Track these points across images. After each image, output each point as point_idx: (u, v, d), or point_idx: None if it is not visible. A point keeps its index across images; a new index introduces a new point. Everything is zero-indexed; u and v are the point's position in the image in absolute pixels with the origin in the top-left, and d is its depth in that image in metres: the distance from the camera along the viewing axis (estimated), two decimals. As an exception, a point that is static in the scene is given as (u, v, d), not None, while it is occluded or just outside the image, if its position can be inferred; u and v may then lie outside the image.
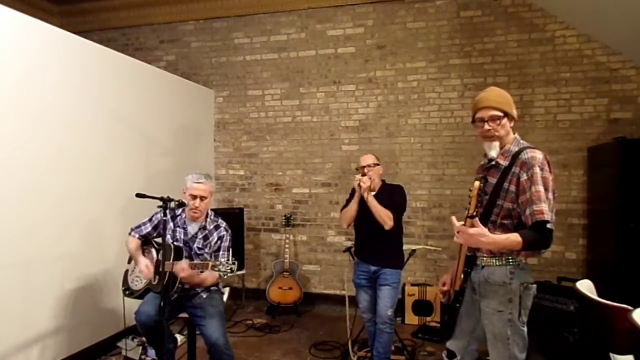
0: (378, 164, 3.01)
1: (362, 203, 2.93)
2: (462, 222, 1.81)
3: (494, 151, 1.93)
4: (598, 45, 4.17)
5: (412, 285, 4.39)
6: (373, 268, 2.93)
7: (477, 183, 1.86)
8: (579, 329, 3.06)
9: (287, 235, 4.75)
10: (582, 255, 4.22)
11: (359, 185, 2.87)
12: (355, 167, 3.06)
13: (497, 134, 1.92)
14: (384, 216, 2.81)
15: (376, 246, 2.92)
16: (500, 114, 1.91)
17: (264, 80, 5.09)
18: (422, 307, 4.27)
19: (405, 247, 3.15)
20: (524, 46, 4.34)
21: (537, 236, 1.74)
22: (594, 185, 4.08)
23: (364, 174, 2.92)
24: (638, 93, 4.10)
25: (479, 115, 1.95)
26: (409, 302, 4.31)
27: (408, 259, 3.67)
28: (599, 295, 2.32)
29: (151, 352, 3.27)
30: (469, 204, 1.86)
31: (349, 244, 3.42)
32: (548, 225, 1.74)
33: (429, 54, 4.59)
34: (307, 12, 4.93)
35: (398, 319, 4.31)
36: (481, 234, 1.72)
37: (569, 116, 4.25)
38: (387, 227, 2.81)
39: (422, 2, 4.60)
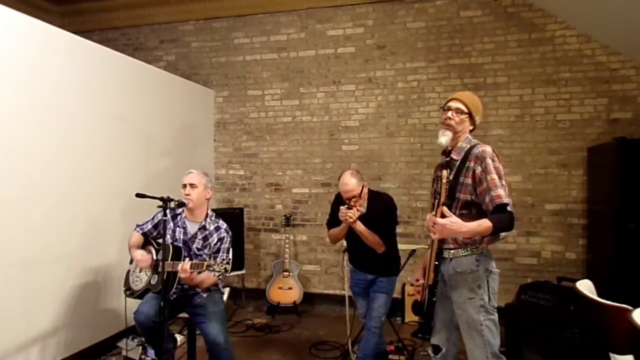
0: (363, 187, 2.72)
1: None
2: (433, 213, 2.00)
3: (443, 138, 2.10)
4: (598, 45, 4.16)
5: (412, 285, 4.38)
6: (370, 277, 2.91)
7: (445, 172, 2.02)
8: (579, 329, 3.06)
9: (287, 235, 4.75)
10: (582, 255, 4.21)
11: (346, 219, 2.65)
12: (338, 192, 2.83)
13: (453, 124, 2.09)
14: (375, 243, 2.72)
15: (371, 257, 2.83)
16: (466, 110, 2.10)
17: (264, 80, 5.09)
18: (422, 307, 4.26)
19: (405, 247, 3.14)
20: (524, 46, 4.34)
21: (503, 218, 1.91)
22: (594, 185, 4.08)
23: (349, 207, 2.67)
24: (638, 93, 4.10)
25: (448, 104, 2.15)
26: (409, 302, 4.31)
27: (408, 259, 3.68)
28: (598, 295, 2.31)
29: (151, 352, 3.27)
30: (438, 194, 2.04)
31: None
32: (508, 208, 1.91)
33: (429, 54, 4.59)
34: (307, 12, 4.93)
35: (398, 319, 4.32)
36: (454, 222, 1.86)
37: (569, 116, 4.24)
38: (379, 252, 2.74)
39: (422, 2, 4.60)
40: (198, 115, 4.98)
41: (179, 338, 3.44)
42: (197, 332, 2.90)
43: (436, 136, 2.19)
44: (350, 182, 2.69)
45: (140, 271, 2.81)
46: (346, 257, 3.13)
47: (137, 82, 3.91)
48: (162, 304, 2.31)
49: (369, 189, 2.87)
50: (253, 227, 5.11)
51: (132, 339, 3.44)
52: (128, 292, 2.82)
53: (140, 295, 2.73)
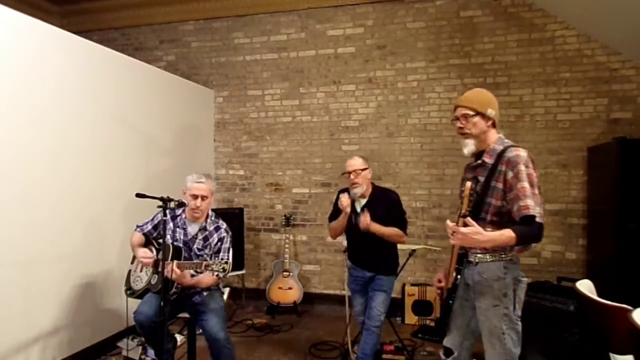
0: (367, 168, 2.87)
1: (352, 211, 2.86)
2: (455, 223, 1.87)
3: (466, 148, 2.02)
4: (598, 45, 4.16)
5: (412, 285, 4.39)
6: (368, 274, 2.91)
7: (468, 183, 1.93)
8: (579, 329, 3.06)
9: (287, 235, 4.75)
10: (582, 255, 4.21)
11: (345, 205, 2.78)
12: (342, 172, 2.95)
13: (468, 131, 1.99)
14: (395, 237, 2.79)
15: (370, 253, 2.87)
16: (471, 112, 1.98)
17: (264, 80, 5.09)
18: (422, 307, 4.27)
19: (405, 247, 3.14)
20: (524, 46, 4.34)
21: (529, 230, 1.79)
22: (594, 185, 4.08)
23: (352, 183, 2.83)
24: (638, 93, 4.10)
25: (455, 113, 2.06)
26: (409, 302, 4.31)
27: (408, 259, 3.68)
28: (599, 295, 2.32)
29: (151, 352, 3.27)
30: (461, 203, 1.92)
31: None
32: (537, 219, 1.79)
33: (429, 54, 4.59)
34: (307, 12, 4.93)
35: (398, 319, 4.32)
36: (476, 232, 1.77)
37: (569, 116, 4.24)
38: (400, 242, 2.82)
39: (422, 2, 4.60)
40: (198, 115, 4.98)
41: (179, 338, 3.44)
42: (198, 332, 2.90)
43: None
44: (356, 159, 2.88)
45: (141, 270, 2.82)
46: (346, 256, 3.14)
47: (137, 82, 3.91)
48: (162, 304, 2.31)
49: (375, 185, 2.95)
50: (253, 227, 5.11)
51: (132, 339, 3.44)
52: (129, 292, 2.82)
53: (140, 295, 2.73)
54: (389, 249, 2.93)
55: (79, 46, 3.30)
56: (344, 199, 2.81)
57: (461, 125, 2.01)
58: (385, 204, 2.87)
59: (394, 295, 3.03)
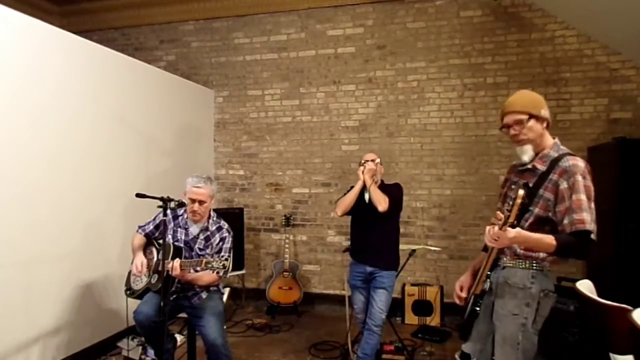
0: (380, 163, 3.04)
1: (360, 202, 2.91)
2: (498, 228, 1.67)
3: (526, 155, 1.88)
4: (598, 45, 4.17)
5: (412, 285, 4.39)
6: (369, 269, 2.92)
7: (521, 192, 1.65)
8: (579, 329, 3.06)
9: (287, 235, 4.75)
10: (582, 255, 4.21)
11: (362, 172, 2.90)
12: (359, 162, 3.09)
13: (525, 137, 1.86)
14: (380, 198, 2.82)
15: (372, 245, 2.90)
16: (524, 116, 1.84)
17: (264, 80, 5.09)
18: (422, 307, 4.27)
19: (405, 247, 3.15)
20: (524, 46, 4.34)
21: (575, 242, 1.67)
22: (594, 185, 4.07)
23: (371, 170, 2.95)
24: (638, 93, 4.10)
25: (505, 121, 1.91)
26: (408, 302, 4.31)
27: (408, 259, 3.67)
28: (599, 295, 2.32)
29: (151, 352, 3.27)
30: (509, 210, 1.65)
31: (349, 244, 3.42)
32: (591, 236, 1.67)
33: (429, 54, 4.59)
34: (307, 12, 4.93)
35: (398, 319, 4.32)
36: (520, 235, 1.66)
37: (569, 116, 4.24)
38: (380, 209, 2.80)
39: (422, 2, 4.60)
40: (198, 115, 4.98)
41: (179, 338, 3.44)
42: (197, 332, 2.90)
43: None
44: (371, 153, 3.10)
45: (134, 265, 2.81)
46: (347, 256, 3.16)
47: (137, 82, 3.91)
48: (162, 304, 2.31)
49: (382, 181, 3.05)
50: (253, 227, 5.11)
51: (132, 339, 3.44)
52: (128, 292, 2.82)
53: (140, 295, 2.73)
54: (391, 243, 2.98)
55: (79, 46, 3.30)
56: (372, 164, 2.93)
57: (515, 132, 1.86)
58: (389, 193, 2.93)
59: (394, 295, 3.03)
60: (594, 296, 2.29)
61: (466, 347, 2.05)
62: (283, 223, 4.80)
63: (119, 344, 3.48)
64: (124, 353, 3.38)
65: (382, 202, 2.81)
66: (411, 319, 4.29)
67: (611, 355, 2.20)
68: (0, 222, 2.68)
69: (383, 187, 2.99)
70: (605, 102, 4.16)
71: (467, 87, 4.47)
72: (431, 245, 4.36)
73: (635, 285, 3.32)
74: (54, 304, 3.08)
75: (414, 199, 4.58)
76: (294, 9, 4.95)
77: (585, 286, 2.39)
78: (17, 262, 2.79)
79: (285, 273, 4.61)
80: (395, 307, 4.01)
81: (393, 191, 2.95)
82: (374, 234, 2.89)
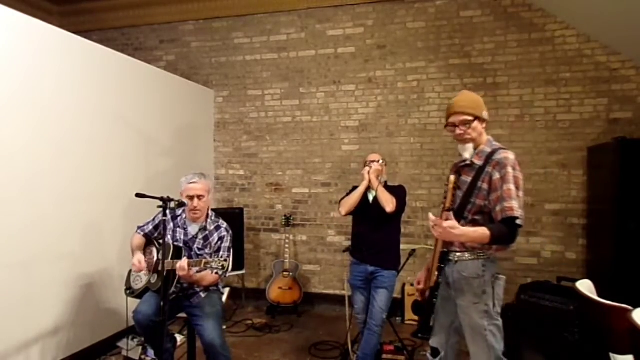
0: (385, 164, 3.07)
1: (363, 202, 2.92)
2: (438, 217, 1.94)
3: (467, 153, 2.05)
4: (598, 45, 4.16)
5: (412, 285, 4.39)
6: (370, 269, 2.92)
7: (452, 177, 2.00)
8: (579, 329, 3.06)
9: (287, 235, 4.75)
10: (582, 255, 4.21)
11: (368, 172, 2.93)
12: (364, 162, 3.11)
13: (469, 137, 2.04)
14: (388, 199, 2.84)
15: (374, 245, 2.91)
16: (471, 118, 2.02)
17: (264, 80, 5.09)
18: (422, 307, 4.26)
19: (405, 247, 3.16)
20: (524, 46, 4.34)
21: (505, 230, 1.86)
22: (594, 185, 4.08)
23: (377, 170, 2.98)
24: (638, 93, 4.10)
25: (450, 120, 2.08)
26: (408, 302, 4.31)
27: (408, 259, 3.68)
28: (599, 295, 2.32)
29: (151, 352, 3.26)
30: (445, 198, 2.01)
31: (349, 244, 3.42)
32: (517, 222, 1.85)
33: (429, 54, 4.59)
34: (307, 12, 4.93)
35: (398, 319, 4.32)
36: (452, 226, 1.82)
37: (569, 116, 4.24)
38: (388, 210, 2.83)
39: (422, 2, 4.60)
40: (198, 115, 4.98)
41: (179, 338, 3.44)
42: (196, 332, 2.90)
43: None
44: (376, 154, 3.12)
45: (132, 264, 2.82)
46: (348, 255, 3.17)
47: (137, 82, 3.91)
48: (162, 303, 2.31)
49: (385, 182, 3.06)
50: (253, 227, 5.11)
51: (132, 339, 3.44)
52: (128, 292, 2.82)
53: (140, 294, 2.73)
54: (392, 243, 3.00)
55: (79, 46, 3.30)
56: (377, 165, 2.96)
57: (461, 132, 2.04)
58: (396, 195, 2.94)
59: (394, 295, 3.03)
60: (594, 296, 2.29)
61: (433, 342, 2.20)
62: (283, 223, 4.80)
63: (119, 344, 3.49)
64: (124, 353, 3.38)
65: (390, 204, 2.83)
66: (411, 318, 4.28)
67: (611, 355, 2.20)
68: (1, 221, 2.68)
69: (387, 189, 2.99)
70: (605, 102, 4.16)
71: (467, 87, 4.47)
72: (431, 245, 4.35)
73: (635, 285, 3.32)
74: (54, 304, 3.08)
75: (414, 199, 4.58)
76: (294, 9, 4.95)
77: (585, 286, 2.39)
78: (17, 262, 2.79)
79: (285, 273, 4.61)
80: (396, 307, 4.01)
81: (399, 193, 2.96)
82: (376, 234, 2.90)
